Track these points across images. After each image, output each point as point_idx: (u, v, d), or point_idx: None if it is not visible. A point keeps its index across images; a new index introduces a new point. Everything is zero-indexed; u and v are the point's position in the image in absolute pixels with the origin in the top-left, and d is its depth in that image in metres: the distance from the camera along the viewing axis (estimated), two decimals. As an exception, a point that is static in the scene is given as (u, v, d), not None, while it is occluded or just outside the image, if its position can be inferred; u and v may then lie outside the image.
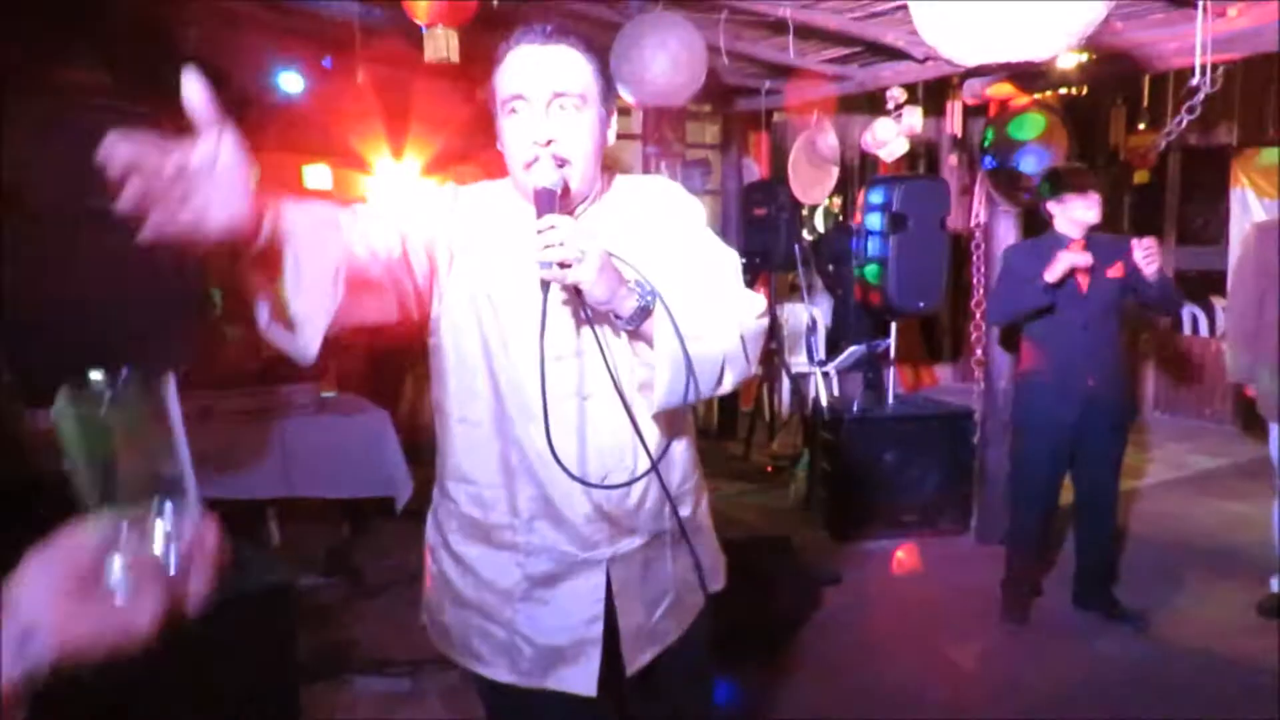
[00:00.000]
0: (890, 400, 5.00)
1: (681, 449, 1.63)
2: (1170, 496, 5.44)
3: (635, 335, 1.43)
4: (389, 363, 5.33)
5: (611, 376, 1.44)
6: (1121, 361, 3.75)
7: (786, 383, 6.48)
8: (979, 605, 3.83)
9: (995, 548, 4.10)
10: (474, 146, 6.89)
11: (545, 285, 1.33)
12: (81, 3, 4.14)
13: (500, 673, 1.56)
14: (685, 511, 1.63)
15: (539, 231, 1.31)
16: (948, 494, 4.71)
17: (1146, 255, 3.25)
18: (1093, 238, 3.49)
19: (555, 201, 1.37)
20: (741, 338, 1.45)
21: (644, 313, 1.38)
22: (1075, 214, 3.46)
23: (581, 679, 1.54)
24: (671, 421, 1.55)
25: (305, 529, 4.20)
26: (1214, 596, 3.96)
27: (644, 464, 1.48)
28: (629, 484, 1.51)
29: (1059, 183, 3.53)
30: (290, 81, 5.04)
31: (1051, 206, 3.52)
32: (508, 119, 1.45)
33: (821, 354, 5.48)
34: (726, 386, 1.46)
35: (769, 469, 5.88)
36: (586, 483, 1.47)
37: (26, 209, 2.18)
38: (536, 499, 1.52)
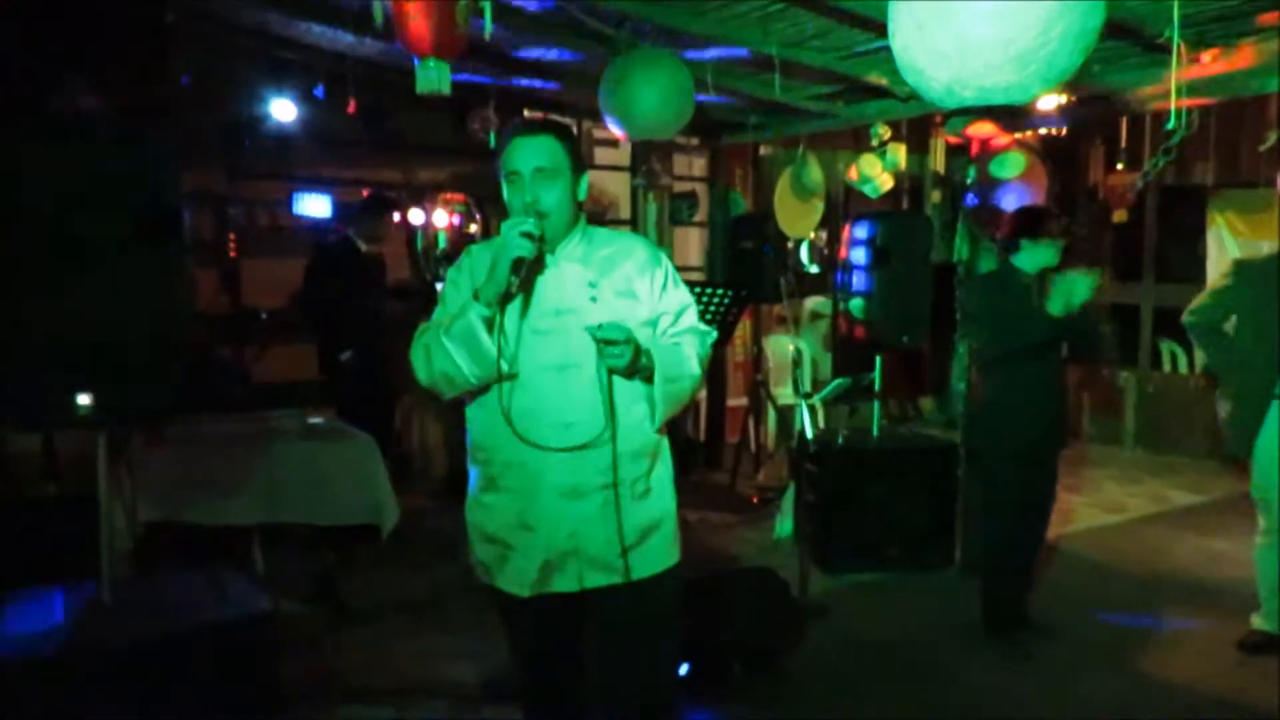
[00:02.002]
0: (875, 433, 5.03)
1: (637, 424, 2.06)
2: (1152, 532, 5.47)
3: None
4: (382, 390, 5.30)
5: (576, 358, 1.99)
6: (1067, 388, 3.95)
7: (773, 414, 6.51)
8: (963, 639, 3.83)
9: (980, 581, 4.10)
10: (462, 176, 6.96)
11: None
12: (76, 29, 4.17)
13: (514, 587, 2.08)
14: (635, 472, 2.06)
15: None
16: (933, 527, 4.72)
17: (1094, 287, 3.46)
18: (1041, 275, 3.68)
19: (523, 266, 1.90)
20: (701, 367, 2.08)
21: (646, 370, 1.99)
22: (1041, 256, 3.63)
23: (567, 581, 2.05)
24: (625, 400, 2.03)
25: (290, 555, 4.16)
26: (1196, 633, 3.98)
27: (598, 420, 1.99)
28: (568, 425, 1.99)
29: (1039, 224, 3.68)
30: (282, 109, 5.08)
31: (1025, 244, 3.65)
32: (508, 185, 2.04)
33: (807, 386, 5.51)
34: (689, 402, 2.14)
35: (755, 500, 5.89)
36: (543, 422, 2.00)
37: (18, 232, 2.19)
38: (518, 451, 2.01)
